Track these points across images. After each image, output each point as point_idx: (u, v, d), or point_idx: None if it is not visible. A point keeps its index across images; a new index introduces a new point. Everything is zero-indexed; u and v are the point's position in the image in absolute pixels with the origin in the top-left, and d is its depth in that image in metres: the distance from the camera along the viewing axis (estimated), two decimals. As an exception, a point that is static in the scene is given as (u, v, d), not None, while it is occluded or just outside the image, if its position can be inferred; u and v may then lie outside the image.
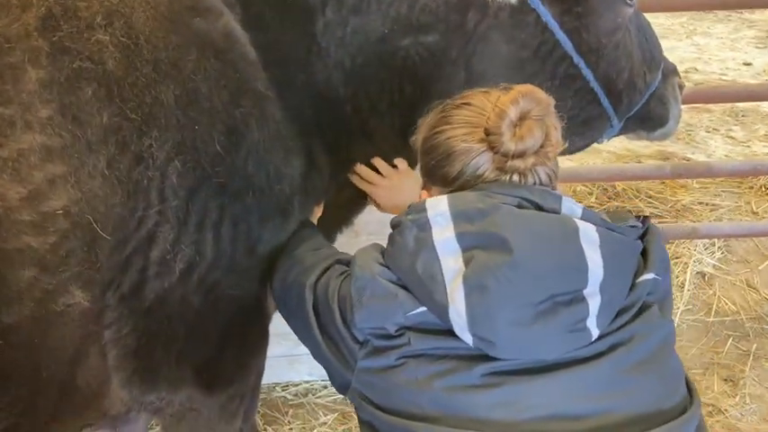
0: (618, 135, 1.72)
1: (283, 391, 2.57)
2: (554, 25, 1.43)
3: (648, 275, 1.08)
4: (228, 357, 1.46)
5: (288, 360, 2.55)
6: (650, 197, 3.38)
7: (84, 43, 1.12)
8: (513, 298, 0.99)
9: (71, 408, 1.25)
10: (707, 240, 3.14)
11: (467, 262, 1.01)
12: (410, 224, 1.06)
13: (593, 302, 1.01)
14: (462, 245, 1.02)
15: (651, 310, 1.07)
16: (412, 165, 1.65)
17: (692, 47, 5.71)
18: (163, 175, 1.19)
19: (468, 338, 1.01)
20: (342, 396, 2.50)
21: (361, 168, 1.57)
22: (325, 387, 2.57)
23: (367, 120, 1.49)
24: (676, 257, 3.10)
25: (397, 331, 1.05)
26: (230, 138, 1.26)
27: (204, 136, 1.23)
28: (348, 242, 2.43)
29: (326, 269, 1.25)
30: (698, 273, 3.08)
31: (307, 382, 2.61)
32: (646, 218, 1.13)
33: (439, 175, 1.14)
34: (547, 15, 1.42)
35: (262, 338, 1.56)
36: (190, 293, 1.30)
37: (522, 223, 1.02)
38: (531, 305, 0.99)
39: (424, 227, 1.05)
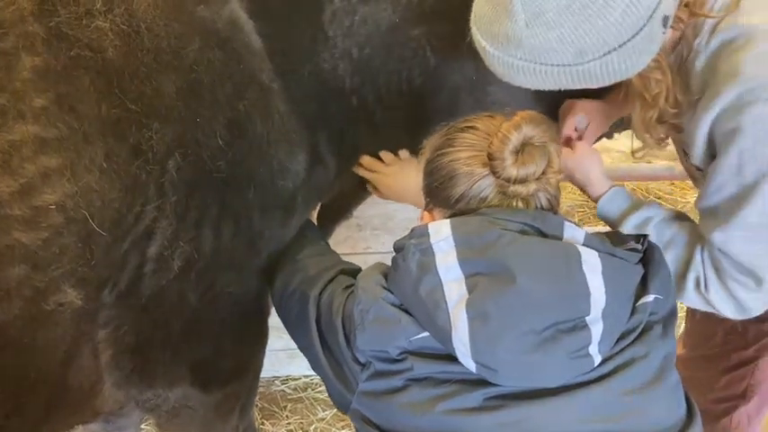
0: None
1: (282, 385, 2.55)
2: None
3: (648, 298, 1.08)
4: (226, 355, 1.44)
5: (287, 354, 2.52)
6: (659, 198, 3.34)
7: (83, 30, 1.08)
8: (516, 326, 0.98)
9: (63, 408, 1.22)
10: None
11: (470, 288, 1.01)
12: (413, 249, 1.06)
13: (596, 329, 1.01)
14: (465, 271, 1.02)
15: (653, 331, 1.07)
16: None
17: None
18: (162, 169, 1.15)
19: (471, 365, 1.01)
20: (341, 391, 2.52)
21: (364, 157, 1.55)
22: (325, 382, 2.54)
23: (373, 112, 1.45)
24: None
25: (399, 355, 1.05)
26: (233, 131, 1.22)
27: (206, 129, 1.19)
28: (352, 236, 2.42)
29: (331, 280, 1.24)
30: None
31: (306, 376, 2.58)
32: (645, 237, 1.12)
33: (442, 197, 1.13)
34: None
35: (260, 336, 1.54)
36: (188, 291, 1.26)
37: (525, 251, 1.02)
38: (534, 333, 0.99)
39: (427, 252, 1.04)
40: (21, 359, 1.10)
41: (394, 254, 1.11)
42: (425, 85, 1.40)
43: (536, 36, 1.04)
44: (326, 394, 2.46)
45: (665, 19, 1.06)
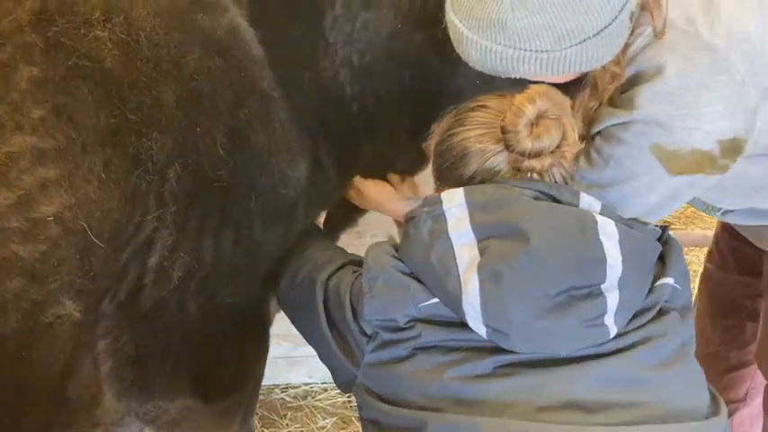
0: None
1: (282, 393, 2.53)
2: None
3: (668, 280, 1.07)
4: (227, 365, 1.43)
5: (287, 362, 2.51)
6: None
7: (82, 40, 1.07)
8: (529, 288, 0.97)
9: (62, 419, 1.21)
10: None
11: (482, 251, 0.99)
12: (425, 216, 1.05)
13: (612, 298, 0.99)
14: (477, 235, 1.01)
15: (671, 315, 1.06)
16: (418, 165, 1.60)
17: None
18: (162, 179, 1.15)
19: (481, 330, 1.00)
20: (341, 400, 2.50)
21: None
22: (325, 390, 2.53)
23: (374, 119, 1.44)
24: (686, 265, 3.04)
25: (407, 323, 1.04)
26: (233, 140, 1.21)
27: (206, 138, 1.18)
28: (351, 243, 2.39)
29: (340, 268, 1.23)
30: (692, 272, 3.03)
31: (306, 384, 2.56)
32: (665, 227, 1.13)
33: (453, 177, 1.12)
34: None
35: (261, 346, 1.52)
36: (188, 301, 1.25)
37: (539, 213, 1.01)
38: (547, 296, 0.97)
39: (439, 218, 1.03)
40: (19, 371, 1.09)
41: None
42: (428, 90, 1.39)
43: (520, 20, 1.06)
44: (326, 402, 2.48)
45: (632, 14, 1.10)
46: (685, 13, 1.14)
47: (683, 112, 1.14)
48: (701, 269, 2.99)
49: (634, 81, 1.18)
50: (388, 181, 1.57)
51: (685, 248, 3.01)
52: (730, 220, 1.51)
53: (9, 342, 1.04)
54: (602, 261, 0.99)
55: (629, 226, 1.04)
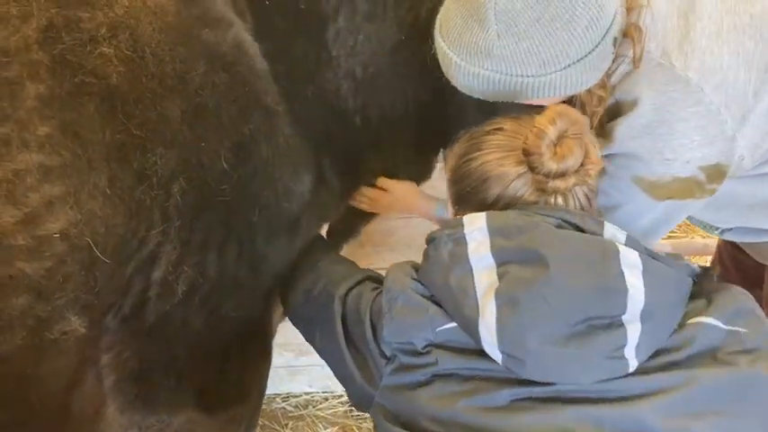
0: None
1: (283, 402, 2.53)
2: None
3: (707, 319, 1.00)
4: (230, 378, 1.42)
5: (288, 371, 2.51)
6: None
7: (88, 57, 1.07)
8: (547, 315, 0.95)
9: (65, 434, 1.20)
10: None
11: (500, 276, 0.99)
12: (446, 239, 1.05)
13: (633, 331, 0.97)
14: (497, 260, 1.00)
15: (714, 360, 0.98)
16: (423, 176, 1.62)
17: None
18: (167, 194, 1.14)
19: (497, 356, 0.98)
20: (342, 409, 2.50)
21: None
22: (326, 399, 2.52)
23: (377, 132, 1.44)
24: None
25: (424, 348, 1.03)
26: (238, 154, 1.21)
27: (211, 153, 1.18)
28: (353, 253, 2.40)
29: (358, 283, 1.22)
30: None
31: (307, 393, 2.56)
32: (708, 268, 1.09)
33: (475, 202, 1.12)
34: None
35: (264, 358, 1.52)
36: (192, 315, 1.25)
37: (561, 241, 1.00)
38: (566, 325, 0.96)
39: (460, 241, 1.03)
40: (23, 387, 1.08)
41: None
42: (432, 102, 1.39)
43: (506, 47, 1.09)
44: (328, 412, 2.47)
45: (615, 40, 1.13)
46: (661, 46, 1.16)
47: (659, 145, 1.16)
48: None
49: (614, 111, 1.22)
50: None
51: (687, 257, 3.01)
52: (728, 237, 1.52)
53: (14, 359, 1.04)
54: (622, 291, 0.96)
55: (655, 258, 1.02)
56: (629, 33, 1.16)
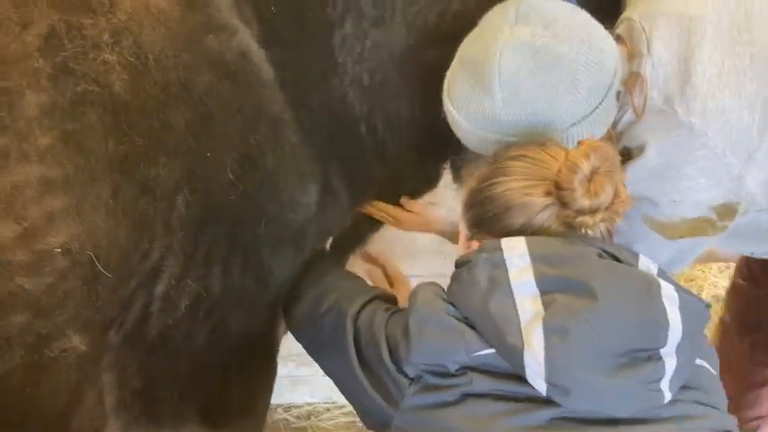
0: None
1: (285, 413, 2.49)
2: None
3: (705, 363, 1.06)
4: (234, 393, 1.40)
5: (290, 381, 2.48)
6: (692, 280, 3.27)
7: (90, 64, 1.04)
8: (595, 346, 0.95)
9: (65, 454, 1.17)
10: (722, 263, 3.05)
11: (546, 305, 0.97)
12: (483, 262, 1.02)
13: (670, 363, 0.98)
14: (541, 288, 0.98)
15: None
16: (429, 184, 1.60)
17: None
18: (170, 205, 1.12)
19: (541, 386, 0.96)
20: (345, 420, 2.47)
21: (378, 207, 1.56)
22: (328, 410, 2.49)
23: (383, 140, 1.42)
24: (691, 280, 3.02)
25: (457, 370, 1.01)
26: (244, 165, 1.19)
27: (216, 163, 1.15)
28: (355, 261, 2.38)
29: (369, 301, 1.19)
30: (713, 296, 3.00)
31: (309, 404, 2.53)
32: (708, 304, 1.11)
33: (496, 228, 1.09)
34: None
35: (269, 372, 1.50)
36: (195, 329, 1.23)
37: (607, 272, 0.99)
38: (613, 356, 0.95)
39: (499, 266, 1.00)
40: (22, 406, 1.05)
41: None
42: (441, 110, 1.36)
43: (512, 114, 1.13)
44: (330, 423, 2.44)
45: (618, 93, 1.16)
46: (663, 93, 1.17)
47: (667, 188, 1.19)
48: (705, 284, 3.00)
49: (621, 157, 1.20)
50: (400, 204, 1.56)
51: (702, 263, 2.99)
52: (758, 257, 1.53)
53: (13, 377, 1.01)
54: (664, 325, 0.97)
55: (684, 292, 1.03)
56: (631, 83, 1.17)
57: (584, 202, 1.04)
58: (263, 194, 1.23)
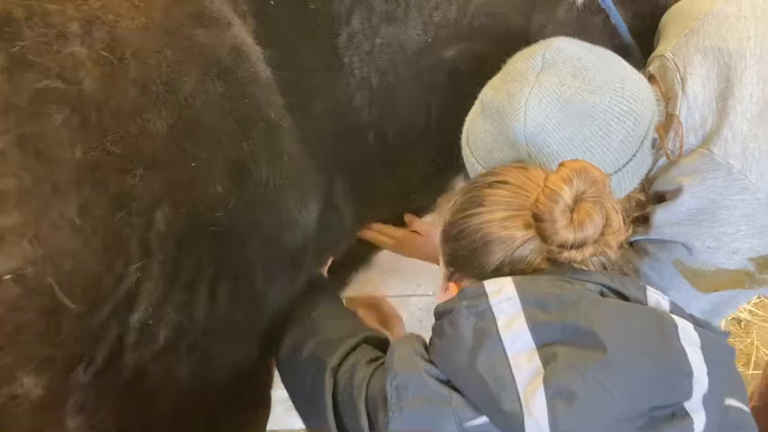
0: None
1: (280, 440, 2.35)
2: (623, 29, 1.31)
3: (733, 402, 0.91)
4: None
5: (284, 407, 2.32)
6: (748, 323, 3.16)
7: (55, 57, 0.91)
8: (609, 408, 0.81)
9: None
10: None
11: (545, 360, 0.84)
12: (465, 312, 0.88)
13: (698, 420, 0.84)
14: (537, 339, 0.85)
15: None
16: (436, 204, 1.54)
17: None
18: (148, 222, 1.00)
19: None
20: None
21: (377, 228, 1.47)
22: (326, 437, 2.35)
23: (393, 149, 1.33)
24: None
25: None
26: (235, 176, 1.08)
27: (202, 174, 1.05)
28: (357, 278, 2.26)
29: (353, 349, 1.08)
30: (733, 318, 2.88)
31: (304, 430, 2.38)
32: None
33: (474, 267, 0.98)
34: (617, 17, 1.30)
35: (262, 409, 1.41)
36: (176, 364, 1.11)
37: (613, 315, 0.86)
38: (629, 419, 0.82)
39: (485, 315, 0.87)
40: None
41: (434, 321, 0.95)
42: (462, 113, 1.25)
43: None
44: (329, 451, 2.29)
45: (654, 141, 1.11)
46: (700, 134, 1.13)
47: (700, 232, 1.14)
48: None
49: (654, 200, 1.20)
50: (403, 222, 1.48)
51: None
52: None
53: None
54: (687, 373, 0.84)
55: (703, 327, 0.91)
56: (666, 127, 1.13)
57: (567, 236, 0.91)
58: (257, 210, 1.12)
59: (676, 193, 1.14)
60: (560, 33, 1.26)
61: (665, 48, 1.18)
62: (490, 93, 1.11)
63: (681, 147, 1.13)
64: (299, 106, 1.20)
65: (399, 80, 1.24)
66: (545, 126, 1.04)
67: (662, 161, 1.16)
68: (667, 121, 1.13)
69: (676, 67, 1.14)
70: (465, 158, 1.15)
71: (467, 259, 0.98)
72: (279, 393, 2.23)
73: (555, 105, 1.04)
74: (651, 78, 1.17)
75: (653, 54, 1.22)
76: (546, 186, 0.92)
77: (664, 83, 1.15)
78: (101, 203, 0.95)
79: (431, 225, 1.45)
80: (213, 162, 1.05)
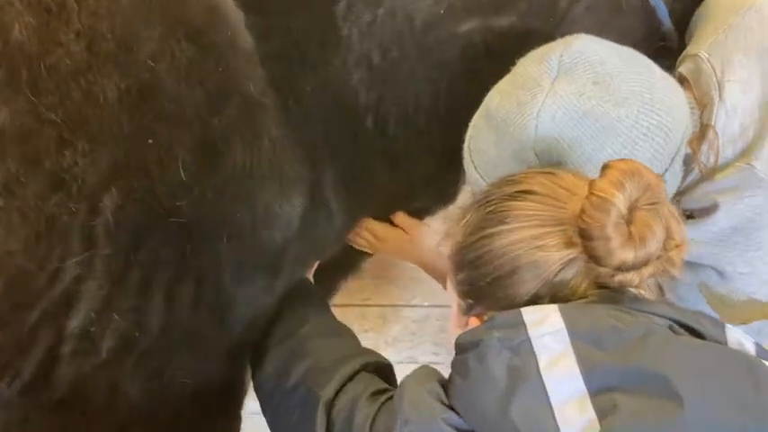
0: None
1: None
2: (663, 12, 1.20)
3: None
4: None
5: (264, 419, 2.23)
6: None
7: (-26, -2, 0.82)
8: None
9: None
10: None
11: (602, 412, 0.71)
12: (497, 345, 0.76)
13: None
14: (591, 383, 0.73)
15: None
16: (446, 198, 1.42)
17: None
18: (92, 209, 0.92)
19: None
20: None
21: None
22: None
23: (394, 138, 1.22)
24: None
25: None
26: (202, 158, 0.98)
27: (162, 153, 0.95)
28: (349, 285, 2.15)
29: (350, 378, 0.96)
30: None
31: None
32: None
33: (499, 298, 0.85)
34: None
35: (232, 423, 1.27)
36: (123, 381, 1.02)
37: (690, 357, 0.75)
38: None
39: (523, 350, 0.75)
40: None
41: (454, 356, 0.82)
42: (477, 99, 1.16)
43: None
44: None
45: (686, 156, 1.05)
46: (739, 145, 1.07)
47: (732, 255, 1.08)
48: None
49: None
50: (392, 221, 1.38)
51: None
52: None
53: None
54: None
55: None
56: (699, 139, 1.06)
57: (627, 255, 0.79)
58: (228, 200, 1.02)
59: (709, 210, 1.08)
60: (592, 13, 1.18)
61: (700, 46, 1.10)
62: (497, 98, 1.02)
63: (716, 161, 1.06)
64: (285, 83, 1.10)
65: (404, 57, 1.15)
66: (559, 142, 0.94)
67: (692, 176, 1.09)
68: (701, 132, 1.06)
69: (713, 69, 1.07)
70: (467, 170, 1.08)
71: (490, 290, 0.85)
72: (257, 405, 2.14)
73: (572, 119, 0.94)
74: (682, 81, 1.08)
75: (684, 53, 1.14)
76: (592, 194, 0.79)
77: (698, 87, 1.08)
78: (31, 182, 0.86)
79: (419, 224, 1.35)
80: (176, 139, 0.95)
